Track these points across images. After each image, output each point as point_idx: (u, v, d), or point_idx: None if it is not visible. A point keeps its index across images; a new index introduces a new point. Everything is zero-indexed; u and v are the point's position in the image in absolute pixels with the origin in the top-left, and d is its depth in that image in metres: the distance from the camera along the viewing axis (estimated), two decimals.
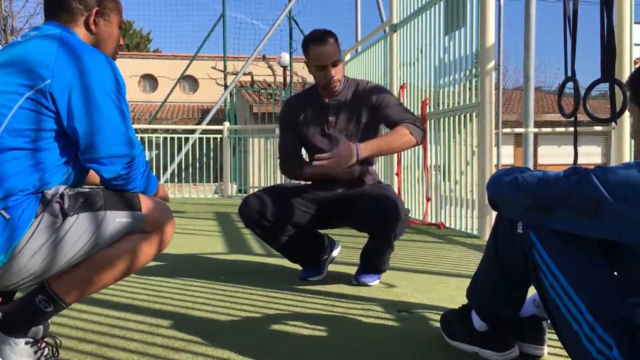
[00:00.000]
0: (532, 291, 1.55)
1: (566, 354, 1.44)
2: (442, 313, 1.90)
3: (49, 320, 1.54)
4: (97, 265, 1.50)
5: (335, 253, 2.98)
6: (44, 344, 1.52)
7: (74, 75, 1.44)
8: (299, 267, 2.83)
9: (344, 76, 2.74)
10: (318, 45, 2.59)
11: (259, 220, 2.60)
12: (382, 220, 2.51)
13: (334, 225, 2.85)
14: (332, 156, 2.41)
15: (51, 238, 1.42)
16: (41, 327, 1.50)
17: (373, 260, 2.69)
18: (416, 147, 5.16)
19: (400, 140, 2.55)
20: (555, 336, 1.46)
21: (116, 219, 1.49)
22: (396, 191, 5.15)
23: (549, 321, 1.49)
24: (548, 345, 1.71)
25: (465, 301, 1.76)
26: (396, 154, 5.34)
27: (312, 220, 2.70)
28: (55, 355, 1.56)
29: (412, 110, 5.54)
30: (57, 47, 1.46)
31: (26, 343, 1.47)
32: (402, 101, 5.51)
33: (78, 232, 1.44)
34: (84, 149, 1.48)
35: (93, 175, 1.69)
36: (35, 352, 1.48)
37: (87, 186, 1.63)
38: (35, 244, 1.41)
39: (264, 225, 2.61)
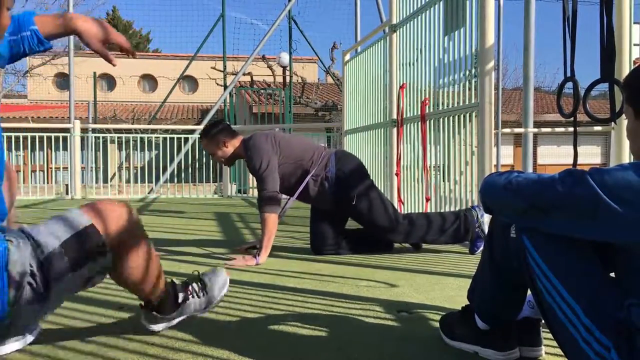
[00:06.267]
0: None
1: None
2: (442, 313, 1.90)
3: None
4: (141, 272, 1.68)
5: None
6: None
7: None
8: (298, 268, 2.83)
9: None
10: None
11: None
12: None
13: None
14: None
15: (36, 305, 1.43)
16: None
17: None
18: (416, 147, 5.18)
19: (267, 228, 3.19)
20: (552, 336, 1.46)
21: (85, 274, 1.50)
22: (395, 191, 5.16)
23: (543, 321, 1.49)
24: (546, 345, 1.71)
25: (465, 301, 1.77)
26: (395, 154, 5.34)
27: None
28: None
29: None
30: None
31: None
32: (402, 101, 5.51)
33: (59, 292, 1.47)
34: None
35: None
36: None
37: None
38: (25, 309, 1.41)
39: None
